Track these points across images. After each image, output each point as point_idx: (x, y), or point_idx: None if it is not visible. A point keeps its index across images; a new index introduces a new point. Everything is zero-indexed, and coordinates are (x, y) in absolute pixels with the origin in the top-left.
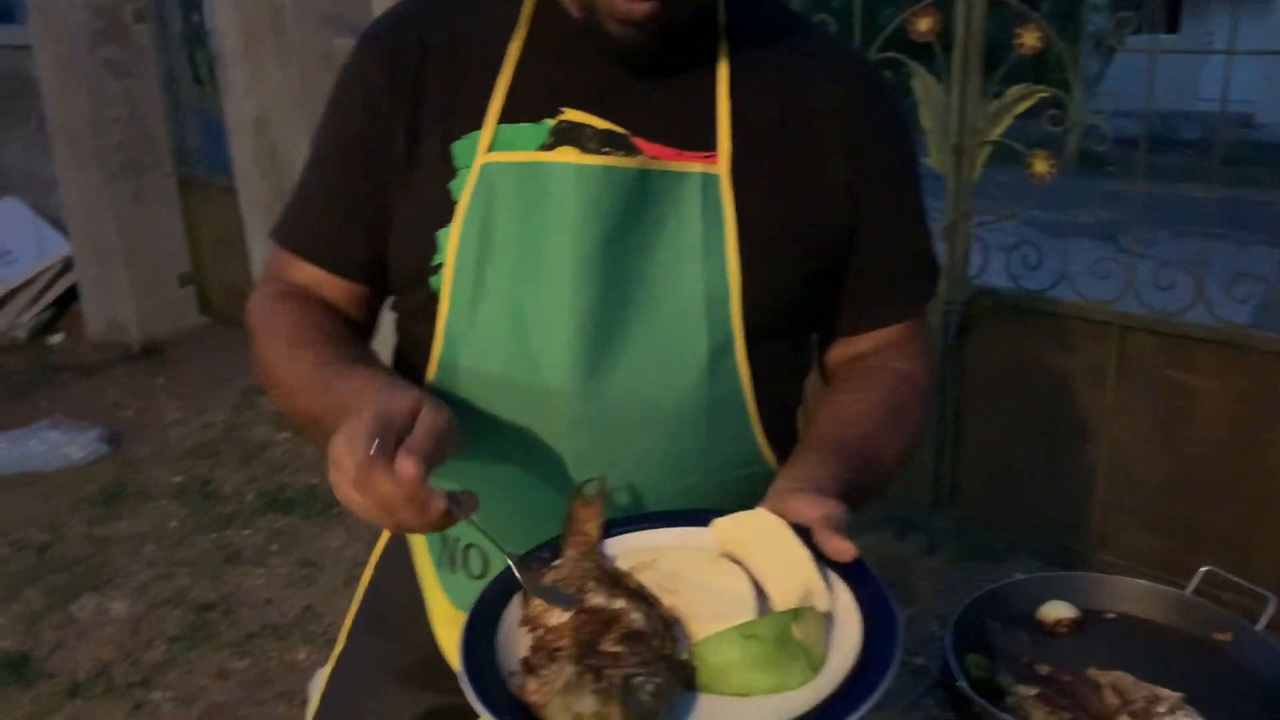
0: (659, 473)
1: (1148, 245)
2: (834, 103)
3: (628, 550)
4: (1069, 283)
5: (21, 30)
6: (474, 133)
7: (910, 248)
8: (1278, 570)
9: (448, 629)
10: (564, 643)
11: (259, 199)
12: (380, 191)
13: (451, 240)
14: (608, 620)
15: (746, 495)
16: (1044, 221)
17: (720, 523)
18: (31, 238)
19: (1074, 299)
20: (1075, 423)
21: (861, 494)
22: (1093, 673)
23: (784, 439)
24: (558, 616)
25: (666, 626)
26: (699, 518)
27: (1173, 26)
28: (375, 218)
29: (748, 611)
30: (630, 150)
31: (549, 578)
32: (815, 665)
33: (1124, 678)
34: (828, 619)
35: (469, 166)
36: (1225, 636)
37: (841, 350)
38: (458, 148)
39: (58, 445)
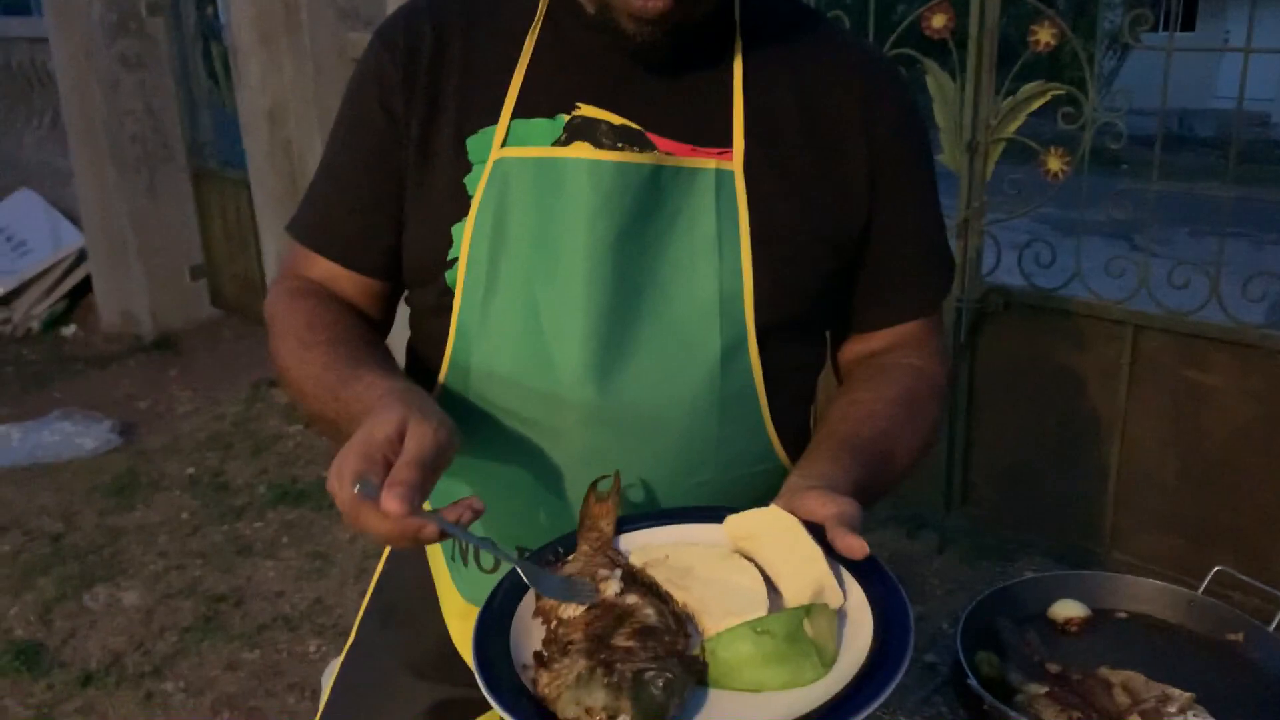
0: (671, 469)
1: (1162, 244)
2: (850, 99)
3: (640, 546)
4: (1082, 281)
5: (37, 23)
6: (489, 127)
7: (926, 244)
8: None
9: (459, 622)
10: (576, 636)
11: (272, 192)
12: (395, 186)
13: (465, 235)
14: (620, 615)
15: (759, 492)
16: (1057, 219)
17: (733, 519)
18: (46, 229)
19: (1087, 298)
20: (1088, 422)
21: (875, 492)
22: (1103, 672)
23: (797, 436)
24: (572, 609)
25: (679, 622)
26: (712, 514)
27: (1189, 24)
28: (390, 213)
29: (760, 608)
30: (645, 146)
31: (564, 572)
32: (827, 662)
33: (1135, 677)
34: (840, 616)
35: (484, 161)
36: (1237, 637)
37: (856, 347)
38: (472, 142)
39: (71, 436)
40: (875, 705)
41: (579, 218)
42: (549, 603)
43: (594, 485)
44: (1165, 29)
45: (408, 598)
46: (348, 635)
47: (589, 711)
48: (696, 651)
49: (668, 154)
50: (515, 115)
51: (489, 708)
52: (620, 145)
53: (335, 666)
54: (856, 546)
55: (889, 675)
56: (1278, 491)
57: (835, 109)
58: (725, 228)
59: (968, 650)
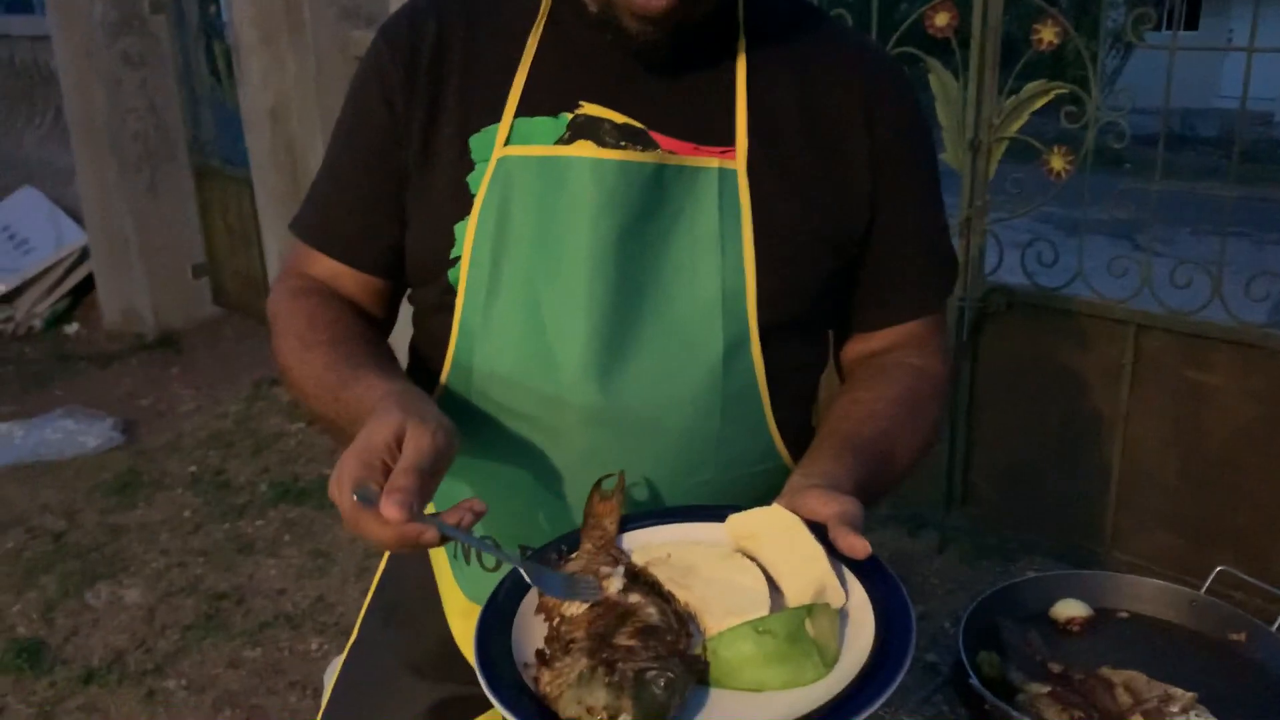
0: (673, 468)
1: (1165, 243)
2: (854, 98)
3: (642, 545)
4: (1084, 280)
5: (39, 21)
6: (491, 126)
7: (929, 243)
8: None
9: (461, 620)
10: (578, 635)
11: (274, 190)
12: (398, 185)
13: (468, 233)
14: (623, 614)
15: (761, 491)
16: (1060, 218)
17: (735, 518)
18: (48, 227)
19: (1089, 297)
20: (1090, 421)
21: (877, 491)
22: (1105, 671)
23: (798, 435)
24: (575, 606)
25: (681, 622)
26: (714, 513)
27: (1192, 23)
28: (393, 211)
29: (761, 607)
30: (648, 145)
31: (567, 569)
32: (828, 662)
33: (1137, 677)
34: (841, 616)
35: (487, 160)
36: (1239, 636)
37: (858, 346)
38: (475, 141)
39: (73, 434)
40: (876, 705)
41: (582, 216)
42: (552, 599)
43: (598, 484)
44: (1168, 28)
45: (410, 596)
46: (349, 633)
47: (590, 711)
48: (698, 651)
49: (670, 153)
50: (518, 114)
51: (491, 706)
52: (623, 144)
53: (337, 664)
54: (858, 546)
55: (890, 675)
56: None
57: (838, 108)
58: (728, 227)
59: (969, 650)
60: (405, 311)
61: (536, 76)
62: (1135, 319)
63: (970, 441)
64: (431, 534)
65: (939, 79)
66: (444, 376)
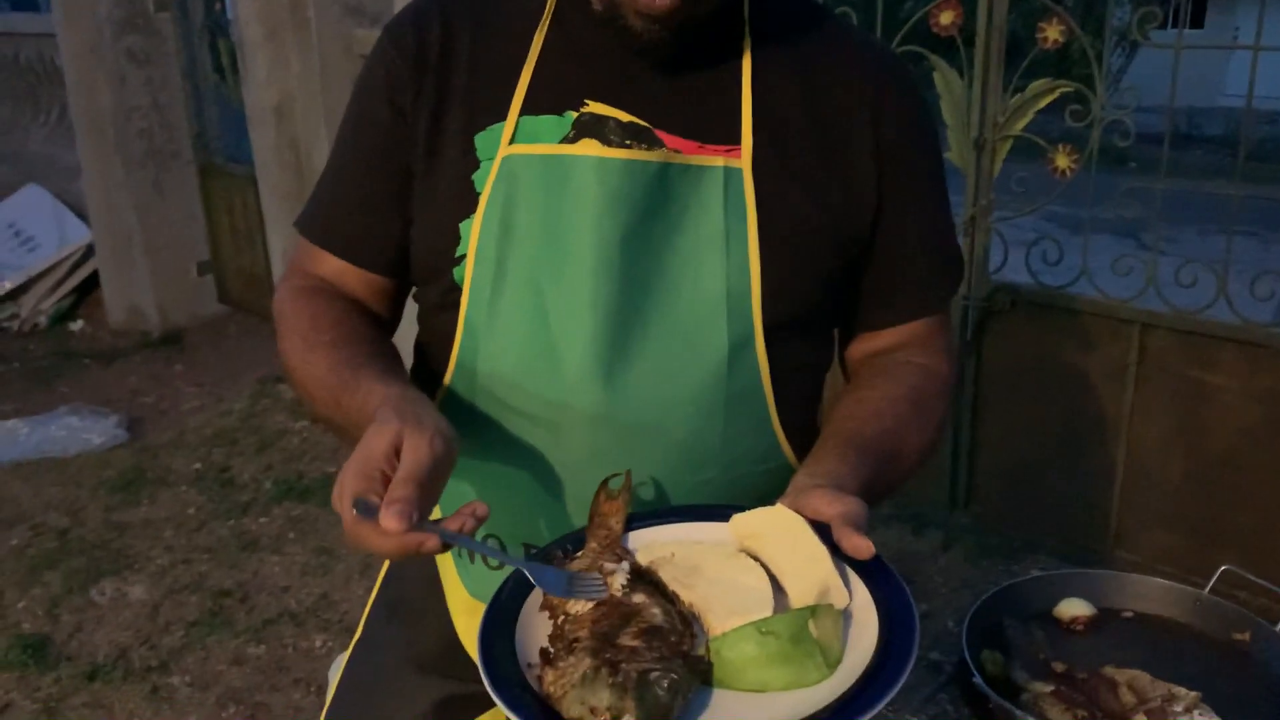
0: (677, 467)
1: (1170, 242)
2: (860, 96)
3: (646, 544)
4: (1089, 279)
5: (45, 19)
6: (497, 124)
7: (935, 242)
8: None
9: (466, 618)
10: (582, 634)
11: (278, 188)
12: (403, 183)
13: (474, 232)
14: (627, 614)
15: (765, 490)
16: (1064, 217)
17: (739, 518)
18: (53, 225)
19: (1094, 296)
20: (1094, 420)
21: (881, 490)
22: (1109, 671)
23: (803, 434)
24: (579, 605)
25: (685, 622)
26: (718, 513)
27: (1198, 21)
28: (398, 210)
29: (765, 608)
30: (653, 143)
31: (571, 567)
32: (832, 663)
33: (1140, 676)
34: (845, 616)
35: (492, 158)
36: (1243, 636)
37: (863, 345)
38: (480, 139)
39: (78, 431)
40: (879, 707)
41: (587, 215)
42: (556, 597)
43: (605, 483)
44: (1174, 26)
45: (414, 593)
46: (354, 630)
47: (593, 711)
48: (701, 651)
49: (675, 151)
50: (523, 112)
51: (494, 704)
52: (628, 143)
53: (341, 661)
54: (863, 546)
55: (894, 676)
56: None
57: (843, 106)
58: (733, 225)
59: (973, 649)
60: (410, 310)
61: (541, 75)
62: (1140, 318)
63: (974, 440)
64: (433, 542)
65: (944, 77)
66: (448, 375)
